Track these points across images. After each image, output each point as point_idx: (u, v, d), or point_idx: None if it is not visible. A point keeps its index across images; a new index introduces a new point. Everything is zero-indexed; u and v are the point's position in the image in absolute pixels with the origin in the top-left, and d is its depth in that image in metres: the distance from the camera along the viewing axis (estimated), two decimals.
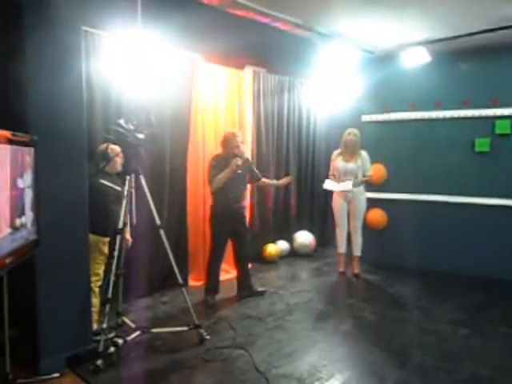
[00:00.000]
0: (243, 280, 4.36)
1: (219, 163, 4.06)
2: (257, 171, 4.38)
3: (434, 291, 4.55)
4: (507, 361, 3.09)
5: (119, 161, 3.39)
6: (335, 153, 5.00)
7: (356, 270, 5.06)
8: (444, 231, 5.20)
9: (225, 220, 4.12)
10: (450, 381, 2.81)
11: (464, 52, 5.00)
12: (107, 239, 3.31)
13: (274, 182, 4.96)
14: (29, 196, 2.51)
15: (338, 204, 4.96)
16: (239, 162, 4.00)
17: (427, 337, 3.45)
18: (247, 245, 4.41)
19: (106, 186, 3.32)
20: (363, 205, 4.99)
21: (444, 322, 3.72)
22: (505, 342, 3.37)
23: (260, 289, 4.42)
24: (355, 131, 4.91)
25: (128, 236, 3.46)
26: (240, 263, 4.36)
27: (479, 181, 5.02)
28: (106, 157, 3.26)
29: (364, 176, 4.88)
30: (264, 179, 4.52)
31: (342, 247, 5.09)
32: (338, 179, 4.85)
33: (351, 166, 4.82)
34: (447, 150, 5.19)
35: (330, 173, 5.01)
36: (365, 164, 4.88)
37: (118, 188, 3.34)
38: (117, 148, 3.38)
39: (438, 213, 5.24)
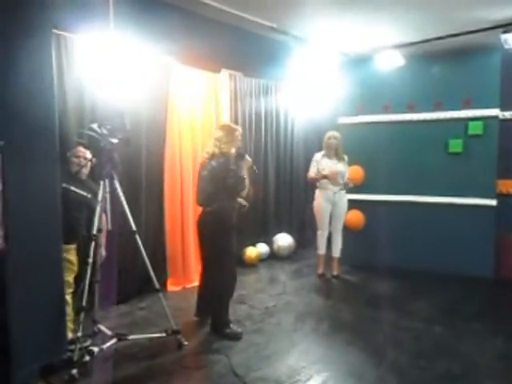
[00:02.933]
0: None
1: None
2: None
3: (410, 290, 4.64)
4: (479, 357, 3.16)
5: (82, 166, 3.31)
6: (319, 154, 5.01)
7: (336, 272, 5.11)
8: (420, 231, 5.30)
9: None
10: (425, 378, 2.87)
11: (435, 55, 5.12)
12: (71, 246, 3.24)
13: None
14: None
15: (322, 207, 4.97)
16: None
17: (402, 335, 3.50)
18: None
19: (70, 191, 3.23)
20: (346, 207, 5.07)
21: (419, 320, 3.79)
22: (477, 339, 3.45)
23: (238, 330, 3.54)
24: (335, 134, 4.99)
25: (103, 250, 3.37)
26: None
27: (453, 181, 5.14)
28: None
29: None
30: None
31: (322, 249, 5.12)
32: (332, 179, 4.84)
33: (340, 167, 4.93)
34: (422, 151, 5.30)
35: (311, 174, 4.98)
36: (347, 167, 5.03)
37: (84, 193, 3.28)
38: (83, 151, 3.33)
39: (414, 213, 5.34)
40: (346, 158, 5.05)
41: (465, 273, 4.95)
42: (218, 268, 3.46)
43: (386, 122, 5.46)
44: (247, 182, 3.55)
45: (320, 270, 5.15)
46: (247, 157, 3.55)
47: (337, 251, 5.11)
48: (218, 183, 3.39)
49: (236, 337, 3.42)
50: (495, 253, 4.98)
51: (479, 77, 4.97)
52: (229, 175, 3.40)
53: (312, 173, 4.99)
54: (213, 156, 3.47)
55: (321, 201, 4.97)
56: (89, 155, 3.37)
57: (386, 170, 5.44)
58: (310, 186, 5.37)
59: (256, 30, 4.63)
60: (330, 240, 5.13)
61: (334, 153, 4.96)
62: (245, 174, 3.51)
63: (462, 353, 3.21)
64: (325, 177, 4.86)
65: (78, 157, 3.33)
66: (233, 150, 3.50)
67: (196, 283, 4.66)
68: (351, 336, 3.51)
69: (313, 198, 5.09)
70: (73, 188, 3.26)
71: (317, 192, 5.03)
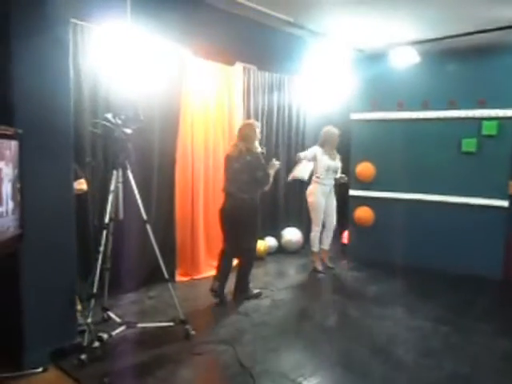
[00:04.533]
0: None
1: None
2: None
3: (419, 288, 4.62)
4: (486, 358, 3.16)
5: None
6: (321, 150, 4.99)
7: (332, 264, 5.20)
8: (430, 229, 5.28)
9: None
10: (431, 377, 2.87)
11: (452, 53, 5.06)
12: None
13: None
14: (8, 188, 2.46)
15: (320, 202, 4.98)
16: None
17: (409, 333, 3.51)
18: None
19: None
20: (335, 202, 5.17)
21: (426, 319, 3.78)
22: (485, 340, 3.44)
23: (256, 291, 4.28)
24: (337, 132, 5.04)
25: None
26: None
27: (465, 180, 5.09)
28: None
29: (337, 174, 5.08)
30: None
31: (317, 246, 5.14)
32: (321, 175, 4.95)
33: (336, 163, 5.03)
34: (434, 150, 5.25)
35: (306, 157, 5.00)
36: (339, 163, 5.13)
37: None
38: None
39: (425, 211, 5.31)
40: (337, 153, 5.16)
41: (474, 273, 4.93)
42: (249, 243, 4.14)
43: (398, 120, 5.42)
44: (271, 179, 4.12)
45: (320, 267, 5.13)
46: (275, 161, 4.20)
47: (328, 244, 5.22)
48: (251, 175, 3.95)
49: (258, 295, 4.20)
50: (505, 254, 4.94)
51: (495, 76, 4.90)
52: (259, 169, 3.98)
53: (304, 156, 5.01)
54: (246, 151, 3.99)
55: (318, 197, 4.99)
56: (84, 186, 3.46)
57: (397, 168, 5.42)
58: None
59: (272, 24, 4.61)
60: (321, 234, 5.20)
61: (333, 151, 5.04)
62: (271, 171, 4.11)
63: (469, 353, 3.21)
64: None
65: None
66: (257, 145, 4.09)
67: (205, 274, 4.76)
68: (357, 332, 3.52)
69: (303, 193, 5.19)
70: None
71: (313, 187, 5.01)
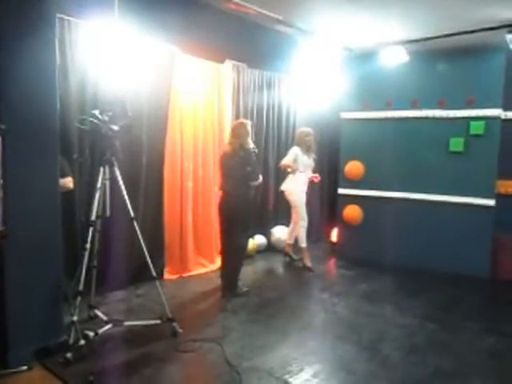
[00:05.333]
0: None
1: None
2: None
3: (407, 287, 4.65)
4: (471, 354, 3.19)
5: None
6: (299, 149, 5.12)
7: (310, 263, 5.22)
8: (418, 228, 5.32)
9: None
10: (416, 373, 2.89)
11: (440, 52, 5.10)
12: None
13: None
14: None
15: (302, 197, 5.14)
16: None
17: (396, 331, 3.53)
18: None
19: None
20: None
21: (413, 317, 3.81)
22: (470, 337, 3.47)
23: (245, 289, 4.30)
24: (311, 132, 5.21)
25: None
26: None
27: (452, 180, 5.14)
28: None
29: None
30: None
31: (305, 241, 5.21)
32: (302, 171, 5.12)
33: (311, 161, 5.23)
34: (422, 149, 5.29)
35: (287, 162, 5.12)
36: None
37: None
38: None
39: (413, 210, 5.35)
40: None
41: (461, 271, 4.97)
42: (241, 239, 4.25)
43: (388, 119, 5.45)
44: (260, 176, 4.30)
45: (309, 263, 5.17)
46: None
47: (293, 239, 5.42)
48: (243, 171, 4.08)
49: (246, 294, 4.21)
50: (492, 253, 4.99)
51: (483, 76, 4.95)
52: (249, 164, 4.13)
53: (287, 161, 5.12)
54: (239, 148, 4.11)
55: (300, 191, 5.13)
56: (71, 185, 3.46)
57: (385, 167, 5.45)
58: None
59: (262, 22, 4.60)
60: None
61: (309, 149, 5.16)
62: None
63: (455, 350, 3.24)
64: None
65: None
66: (250, 141, 4.22)
67: (193, 272, 4.75)
68: (345, 330, 3.53)
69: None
70: None
71: (292, 183, 5.14)
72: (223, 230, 4.26)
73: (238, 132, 4.20)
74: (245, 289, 4.27)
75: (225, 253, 4.28)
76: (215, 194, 5.10)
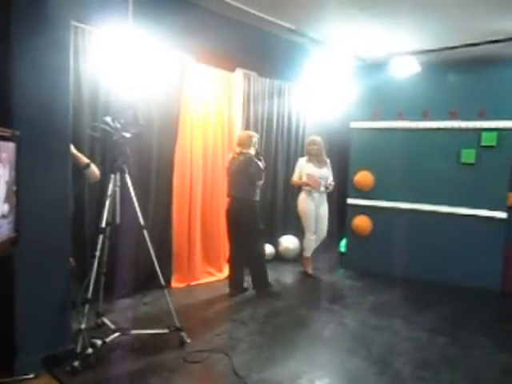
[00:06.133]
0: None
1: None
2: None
3: (417, 299, 4.59)
4: (484, 370, 3.13)
5: None
6: (303, 160, 5.14)
7: (311, 270, 5.24)
8: (428, 240, 5.26)
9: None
10: None
11: (452, 63, 5.08)
12: None
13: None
14: (3, 190, 2.42)
15: (310, 208, 5.10)
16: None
17: (406, 344, 3.47)
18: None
19: None
20: (327, 210, 5.23)
21: (424, 330, 3.75)
22: (482, 352, 3.41)
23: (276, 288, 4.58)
24: (316, 140, 5.14)
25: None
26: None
27: (463, 191, 5.09)
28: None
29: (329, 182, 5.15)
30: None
31: (310, 251, 5.25)
32: (316, 184, 5.04)
33: (324, 171, 5.10)
34: (433, 160, 5.25)
35: (294, 179, 5.16)
36: (330, 171, 5.19)
37: None
38: None
39: (424, 221, 5.29)
40: (328, 161, 5.21)
41: (472, 284, 4.90)
42: (259, 242, 4.48)
43: (398, 129, 5.42)
44: (263, 175, 4.41)
45: (310, 271, 5.23)
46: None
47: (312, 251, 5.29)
48: (245, 174, 4.25)
49: (278, 294, 4.43)
50: (503, 266, 4.92)
51: (495, 88, 4.92)
52: (251, 166, 4.28)
53: (295, 177, 5.16)
54: (240, 153, 4.34)
55: (307, 203, 5.09)
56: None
57: (396, 177, 5.41)
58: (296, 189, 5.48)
59: (273, 31, 4.62)
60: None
61: (316, 158, 5.09)
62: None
63: (467, 365, 3.18)
64: (307, 183, 5.05)
65: None
66: (252, 151, 4.40)
67: (201, 280, 4.73)
68: (354, 343, 3.48)
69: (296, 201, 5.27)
70: None
71: (302, 195, 5.16)
72: (231, 234, 4.43)
73: (241, 141, 4.42)
74: (277, 289, 4.53)
75: (233, 257, 4.42)
76: (224, 203, 5.10)
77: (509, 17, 3.83)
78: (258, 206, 4.49)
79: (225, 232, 4.66)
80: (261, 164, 4.35)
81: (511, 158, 4.88)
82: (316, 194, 5.07)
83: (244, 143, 4.38)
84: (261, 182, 4.45)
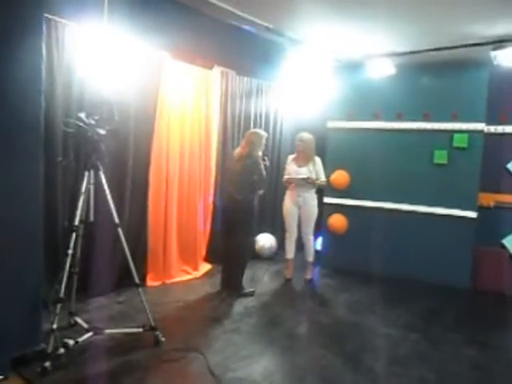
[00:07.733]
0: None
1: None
2: None
3: (390, 296, 4.68)
4: (453, 365, 3.22)
5: None
6: (290, 157, 5.07)
7: (309, 276, 5.12)
8: (403, 239, 5.35)
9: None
10: None
11: (426, 66, 5.18)
12: None
13: None
14: None
15: (288, 208, 4.98)
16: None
17: (379, 341, 3.54)
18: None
19: None
20: (314, 211, 4.97)
21: (396, 327, 3.83)
22: (452, 348, 3.50)
23: (250, 289, 4.49)
24: (304, 137, 4.93)
25: None
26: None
27: (436, 191, 5.21)
28: None
29: (318, 180, 4.89)
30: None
31: (290, 253, 5.08)
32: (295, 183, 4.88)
33: (303, 170, 4.86)
34: (407, 160, 5.35)
35: (285, 177, 5.00)
36: (317, 169, 4.92)
37: None
38: None
39: (398, 220, 5.39)
40: (316, 159, 4.96)
41: (443, 282, 5.03)
42: (246, 246, 4.46)
43: (374, 129, 5.50)
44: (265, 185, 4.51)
45: (288, 275, 5.06)
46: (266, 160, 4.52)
47: (309, 255, 5.08)
48: (247, 178, 4.23)
49: (252, 294, 4.40)
50: (473, 264, 5.06)
51: (467, 90, 5.05)
52: (256, 173, 4.26)
53: (287, 174, 4.99)
54: (247, 155, 4.27)
55: (287, 203, 4.99)
56: None
57: (371, 177, 5.49)
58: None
59: (251, 30, 4.60)
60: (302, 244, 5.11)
61: (302, 156, 4.92)
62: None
63: (438, 361, 3.26)
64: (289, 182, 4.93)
65: None
66: (260, 152, 4.37)
67: (177, 279, 4.71)
68: (328, 340, 3.52)
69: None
70: None
71: (286, 194, 5.05)
72: (224, 232, 4.48)
73: (250, 140, 4.35)
74: (251, 289, 4.45)
75: (227, 255, 4.43)
76: (200, 201, 5.08)
77: (480, 22, 3.94)
78: (256, 211, 4.49)
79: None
80: (264, 172, 4.34)
81: (481, 159, 5.02)
82: (296, 194, 4.89)
83: (254, 143, 4.32)
84: (261, 192, 4.46)
